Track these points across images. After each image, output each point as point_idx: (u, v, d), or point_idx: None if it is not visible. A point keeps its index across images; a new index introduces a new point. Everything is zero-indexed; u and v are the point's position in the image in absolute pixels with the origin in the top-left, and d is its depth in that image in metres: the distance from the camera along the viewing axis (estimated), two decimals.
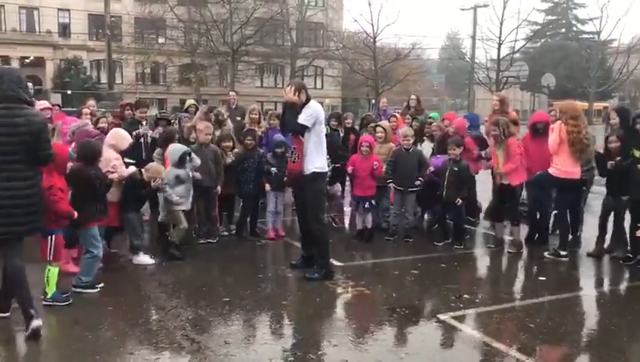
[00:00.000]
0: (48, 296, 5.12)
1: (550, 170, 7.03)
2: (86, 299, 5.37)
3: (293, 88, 6.08)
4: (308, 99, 6.19)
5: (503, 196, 7.59)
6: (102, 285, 5.62)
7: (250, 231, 7.90)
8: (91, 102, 10.29)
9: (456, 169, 7.55)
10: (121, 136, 6.50)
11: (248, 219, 7.91)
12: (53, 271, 5.13)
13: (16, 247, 4.45)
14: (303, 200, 6.39)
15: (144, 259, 6.55)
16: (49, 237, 5.11)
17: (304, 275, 6.14)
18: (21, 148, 4.23)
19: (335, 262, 6.66)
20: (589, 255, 7.24)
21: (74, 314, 5.02)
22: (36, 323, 4.41)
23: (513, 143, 7.36)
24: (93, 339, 4.49)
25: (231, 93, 11.63)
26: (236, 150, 7.89)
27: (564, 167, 6.92)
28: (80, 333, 4.61)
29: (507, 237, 7.76)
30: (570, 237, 7.42)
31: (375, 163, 7.67)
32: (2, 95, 4.23)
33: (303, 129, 6.09)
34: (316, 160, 6.15)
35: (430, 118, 9.45)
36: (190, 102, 10.43)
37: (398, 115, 9.87)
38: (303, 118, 6.07)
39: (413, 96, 10.66)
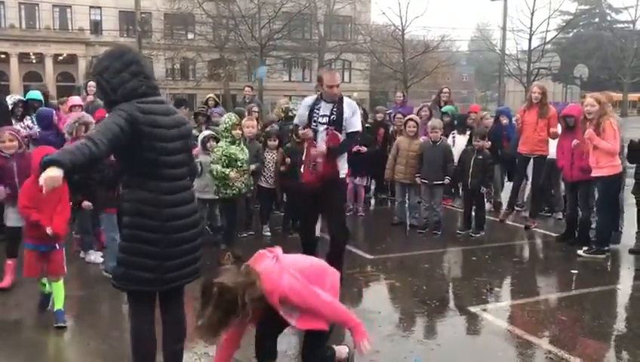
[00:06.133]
0: None
1: (610, 172, 6.47)
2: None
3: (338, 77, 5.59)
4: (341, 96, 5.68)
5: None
6: None
7: (291, 225, 7.71)
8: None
9: (480, 158, 7.59)
10: None
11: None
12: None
13: None
14: (326, 204, 5.59)
15: (95, 257, 6.35)
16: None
17: None
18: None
19: (365, 255, 6.72)
20: (631, 252, 6.92)
21: (121, 305, 4.94)
22: None
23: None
24: None
25: (246, 88, 11.65)
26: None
27: (617, 161, 6.46)
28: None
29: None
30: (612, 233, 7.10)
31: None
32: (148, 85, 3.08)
33: (359, 135, 5.86)
34: (344, 163, 5.71)
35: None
36: (209, 95, 10.71)
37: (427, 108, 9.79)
38: (357, 122, 5.55)
39: (445, 89, 10.35)
